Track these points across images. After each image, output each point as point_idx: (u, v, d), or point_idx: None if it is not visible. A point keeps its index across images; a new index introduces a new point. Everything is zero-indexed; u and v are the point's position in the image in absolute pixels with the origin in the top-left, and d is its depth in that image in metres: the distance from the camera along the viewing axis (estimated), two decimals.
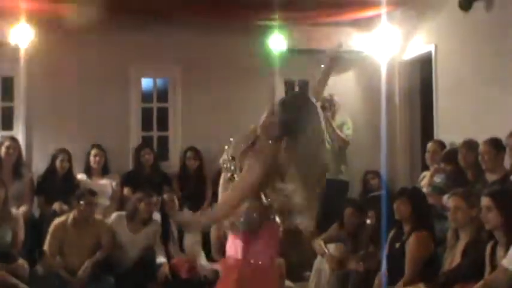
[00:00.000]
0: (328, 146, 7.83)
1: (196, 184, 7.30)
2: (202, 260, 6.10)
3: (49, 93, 7.45)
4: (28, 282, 5.55)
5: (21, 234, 5.88)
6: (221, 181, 3.28)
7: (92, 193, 6.02)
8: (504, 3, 5.87)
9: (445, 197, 5.43)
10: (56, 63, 7.40)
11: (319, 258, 5.74)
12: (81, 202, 5.88)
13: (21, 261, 5.68)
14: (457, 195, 4.45)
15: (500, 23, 5.90)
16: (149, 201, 6.13)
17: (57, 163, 6.84)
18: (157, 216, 6.47)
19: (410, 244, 4.69)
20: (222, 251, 5.99)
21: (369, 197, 6.49)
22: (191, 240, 6.24)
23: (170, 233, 6.22)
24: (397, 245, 4.84)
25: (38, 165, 7.20)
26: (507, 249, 3.73)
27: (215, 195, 7.05)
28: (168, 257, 6.13)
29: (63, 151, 6.91)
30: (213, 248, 6.26)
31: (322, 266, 5.66)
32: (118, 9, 6.58)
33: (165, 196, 6.34)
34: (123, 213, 6.21)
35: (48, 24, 7.07)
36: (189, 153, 7.41)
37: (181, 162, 7.58)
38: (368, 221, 5.69)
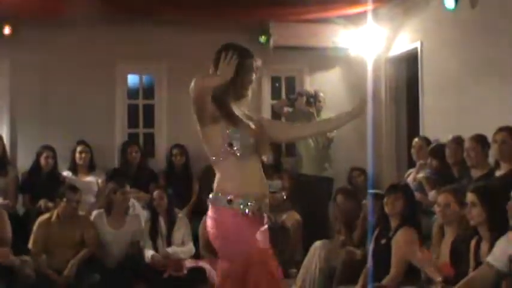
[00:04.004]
0: (311, 143, 7.90)
1: (182, 181, 7.30)
2: (189, 246, 6.17)
3: (34, 90, 7.41)
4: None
5: (8, 230, 5.84)
6: None
7: (74, 189, 5.98)
8: (489, 0, 5.90)
9: (432, 193, 5.47)
10: (41, 59, 7.36)
11: (308, 256, 5.73)
12: (64, 199, 5.86)
13: (12, 258, 5.64)
14: (446, 192, 4.46)
15: (485, 20, 5.93)
16: (124, 190, 6.13)
17: (42, 160, 6.81)
18: (141, 212, 6.48)
19: (397, 240, 4.70)
20: (210, 247, 6.04)
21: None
22: (180, 236, 6.22)
23: (159, 229, 6.20)
24: (383, 241, 4.85)
25: (23, 163, 7.15)
26: (491, 245, 3.75)
27: (201, 191, 7.17)
28: (156, 252, 6.12)
29: (48, 148, 6.87)
30: (200, 244, 6.24)
31: (309, 264, 5.66)
32: (104, 6, 6.55)
33: (155, 193, 6.32)
34: (102, 210, 6.19)
35: (34, 20, 7.03)
36: (175, 150, 7.41)
37: (167, 159, 7.56)
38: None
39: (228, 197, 3.11)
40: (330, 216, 6.24)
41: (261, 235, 3.17)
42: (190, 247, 6.19)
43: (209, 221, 3.19)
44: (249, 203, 3.11)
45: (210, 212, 3.20)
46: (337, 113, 7.17)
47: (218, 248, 3.21)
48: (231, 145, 3.12)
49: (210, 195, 3.21)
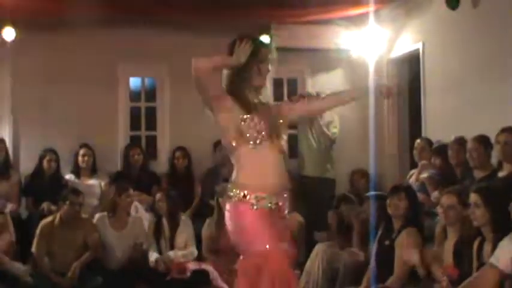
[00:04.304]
0: (314, 144, 7.84)
1: (185, 183, 7.30)
2: (190, 249, 6.16)
3: (36, 93, 7.40)
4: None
5: (11, 233, 5.85)
6: None
7: (77, 193, 5.99)
8: (490, 1, 5.89)
9: (435, 193, 5.47)
10: (43, 62, 7.36)
11: (310, 258, 5.71)
12: (67, 202, 5.86)
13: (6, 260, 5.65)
14: (450, 193, 4.44)
15: (487, 20, 5.92)
16: (129, 193, 6.15)
17: (45, 163, 6.82)
18: (144, 214, 6.49)
19: (400, 241, 4.69)
20: (213, 249, 6.05)
21: (365, 196, 6.47)
22: (183, 239, 6.22)
23: (162, 231, 6.20)
24: (387, 242, 4.84)
25: (26, 166, 7.15)
26: (494, 246, 3.74)
27: (204, 194, 7.17)
28: (160, 254, 6.12)
29: (50, 151, 6.88)
30: (204, 246, 6.24)
31: (312, 266, 5.65)
32: (106, 8, 6.55)
33: (157, 196, 6.34)
34: (105, 213, 6.20)
35: (35, 22, 7.03)
36: (177, 153, 7.41)
37: (169, 162, 7.56)
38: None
39: (244, 191, 3.09)
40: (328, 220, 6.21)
41: (278, 229, 3.13)
42: (191, 250, 6.19)
43: (226, 214, 3.18)
44: (265, 198, 3.09)
45: (227, 205, 3.19)
46: (339, 113, 7.30)
47: (234, 242, 3.19)
48: (244, 133, 3.11)
49: (228, 186, 3.20)
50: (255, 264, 3.04)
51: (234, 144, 3.14)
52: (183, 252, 6.11)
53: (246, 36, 3.22)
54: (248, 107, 3.16)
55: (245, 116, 3.13)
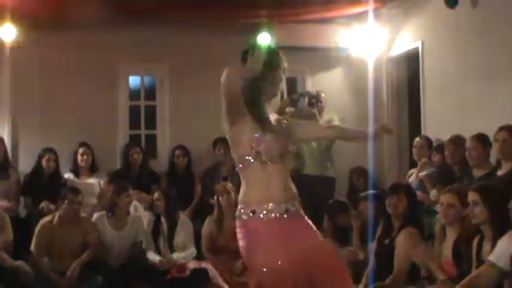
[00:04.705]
0: (313, 143, 7.84)
1: (185, 182, 7.31)
2: (189, 250, 6.16)
3: (35, 92, 7.40)
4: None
5: (10, 232, 5.85)
6: None
7: (76, 191, 5.99)
8: (489, 0, 5.90)
9: (433, 192, 5.47)
10: (43, 61, 7.35)
11: None
12: (66, 201, 5.87)
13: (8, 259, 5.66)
14: (450, 192, 4.44)
15: (486, 19, 5.93)
16: (128, 193, 6.15)
17: (44, 162, 6.81)
18: (143, 213, 6.49)
19: (400, 240, 4.70)
20: (213, 248, 6.05)
21: (360, 196, 6.48)
22: (181, 238, 6.21)
23: (161, 230, 6.20)
24: (387, 241, 4.85)
25: (25, 165, 7.15)
26: (493, 244, 3.76)
27: (204, 192, 7.17)
28: (159, 253, 6.12)
29: (50, 150, 6.87)
30: (203, 245, 6.24)
31: None
32: (105, 7, 6.55)
33: (156, 194, 6.34)
34: (104, 212, 6.20)
35: (35, 22, 7.02)
36: (177, 152, 7.41)
37: (169, 161, 7.57)
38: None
39: (252, 208, 3.04)
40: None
41: (298, 235, 3.08)
42: (191, 251, 6.17)
43: (238, 234, 3.11)
44: (273, 208, 3.03)
45: (237, 224, 3.13)
46: (339, 113, 7.29)
47: (244, 260, 3.16)
48: (258, 151, 3.04)
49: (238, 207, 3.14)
50: (268, 281, 2.97)
51: (246, 161, 3.06)
52: (184, 255, 6.09)
53: (259, 45, 3.17)
54: (265, 123, 3.09)
55: (261, 133, 3.07)
